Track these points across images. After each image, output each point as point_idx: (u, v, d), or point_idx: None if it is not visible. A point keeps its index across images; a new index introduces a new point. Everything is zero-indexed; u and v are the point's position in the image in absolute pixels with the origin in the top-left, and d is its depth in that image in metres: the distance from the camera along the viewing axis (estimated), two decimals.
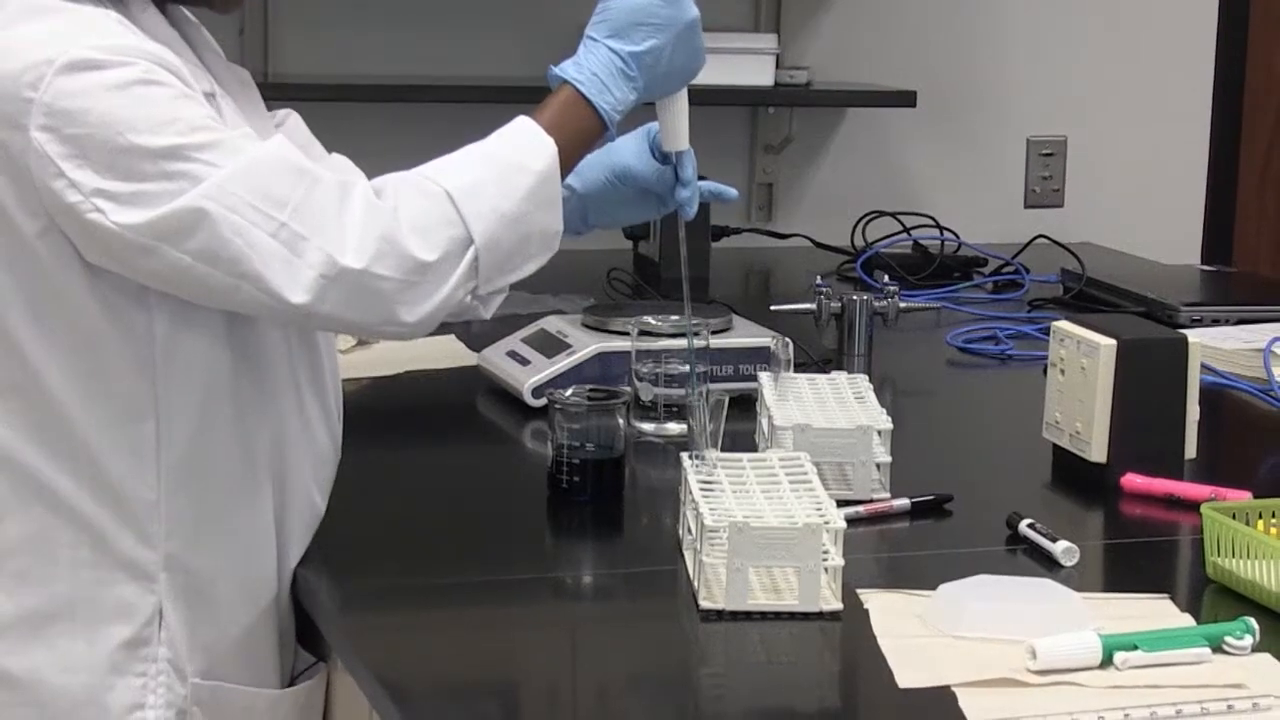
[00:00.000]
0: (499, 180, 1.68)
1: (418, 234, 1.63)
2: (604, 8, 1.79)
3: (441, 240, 1.64)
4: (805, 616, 1.64)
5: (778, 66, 3.54)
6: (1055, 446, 2.14)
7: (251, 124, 1.77)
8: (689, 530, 1.75)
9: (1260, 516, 1.77)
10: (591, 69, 1.77)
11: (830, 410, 2.03)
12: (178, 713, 1.71)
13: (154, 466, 1.68)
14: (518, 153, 1.71)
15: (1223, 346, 2.59)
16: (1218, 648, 1.55)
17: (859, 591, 1.69)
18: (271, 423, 1.74)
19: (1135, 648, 1.52)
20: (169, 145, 1.58)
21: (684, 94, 1.87)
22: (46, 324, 1.64)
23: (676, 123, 1.89)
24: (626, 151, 1.94)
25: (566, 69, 1.78)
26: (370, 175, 1.71)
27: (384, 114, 3.32)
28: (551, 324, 2.45)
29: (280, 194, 1.60)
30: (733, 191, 2.03)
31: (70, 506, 1.67)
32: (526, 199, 1.68)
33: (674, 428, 2.18)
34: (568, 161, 1.75)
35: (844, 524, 1.67)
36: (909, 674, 1.52)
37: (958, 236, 3.39)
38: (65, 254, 1.63)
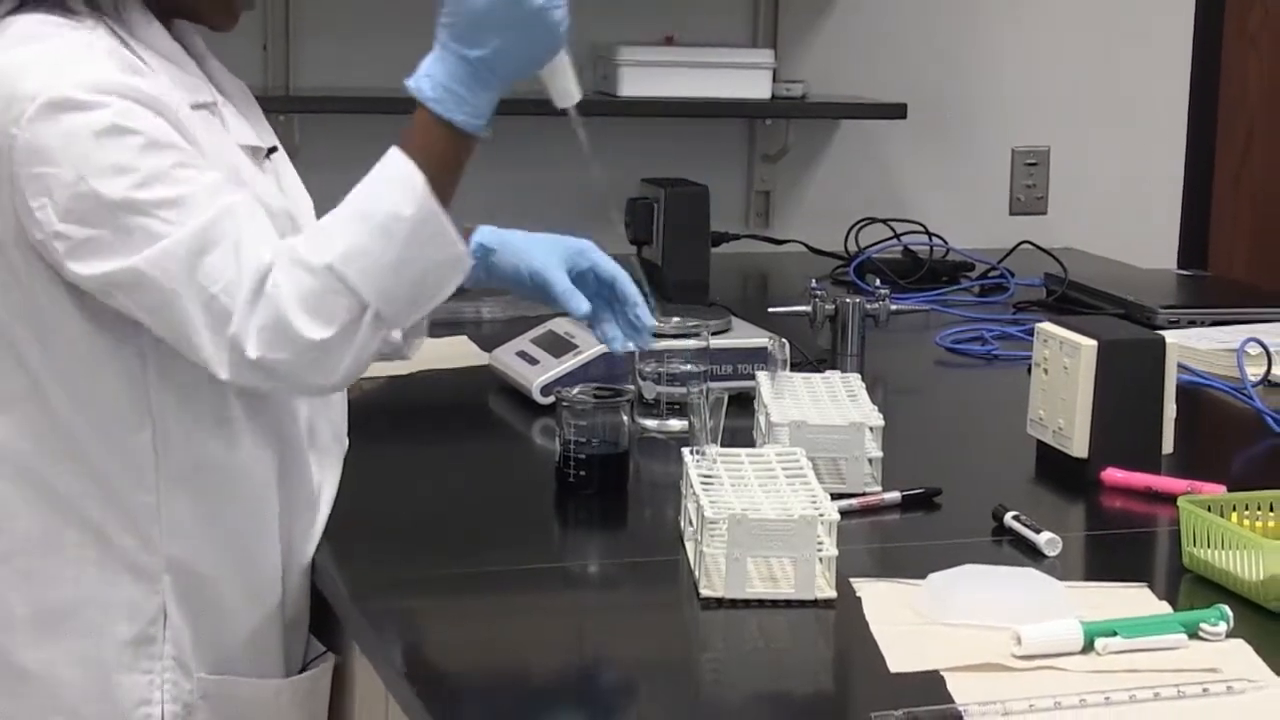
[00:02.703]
0: (375, 235, 1.58)
1: (308, 313, 1.56)
2: (447, 9, 1.62)
3: (334, 312, 1.56)
4: (801, 604, 1.64)
5: (774, 80, 3.53)
6: (1039, 442, 2.13)
7: (255, 130, 1.77)
8: (690, 522, 1.75)
9: (1234, 509, 1.77)
10: (443, 81, 1.61)
11: (825, 408, 2.03)
12: (184, 706, 1.70)
13: (152, 474, 1.67)
14: (388, 201, 1.59)
15: (1198, 347, 2.59)
16: (1194, 634, 1.55)
17: (852, 580, 1.68)
18: (269, 425, 1.73)
19: (1115, 634, 1.52)
20: (125, 198, 1.56)
21: (562, 53, 1.68)
22: (45, 339, 1.64)
23: (559, 83, 1.71)
24: (536, 257, 1.90)
25: (421, 84, 1.62)
26: None
27: (404, 125, 3.31)
28: (559, 325, 2.44)
29: (214, 269, 1.56)
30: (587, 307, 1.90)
31: (75, 509, 1.66)
32: (408, 244, 1.58)
33: (676, 424, 2.18)
34: (446, 182, 1.61)
35: (838, 516, 1.67)
36: (900, 659, 1.52)
37: (946, 242, 3.39)
38: (53, 275, 1.62)
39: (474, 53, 1.60)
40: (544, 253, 1.91)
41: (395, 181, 1.60)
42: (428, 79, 1.62)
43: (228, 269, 1.56)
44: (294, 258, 1.57)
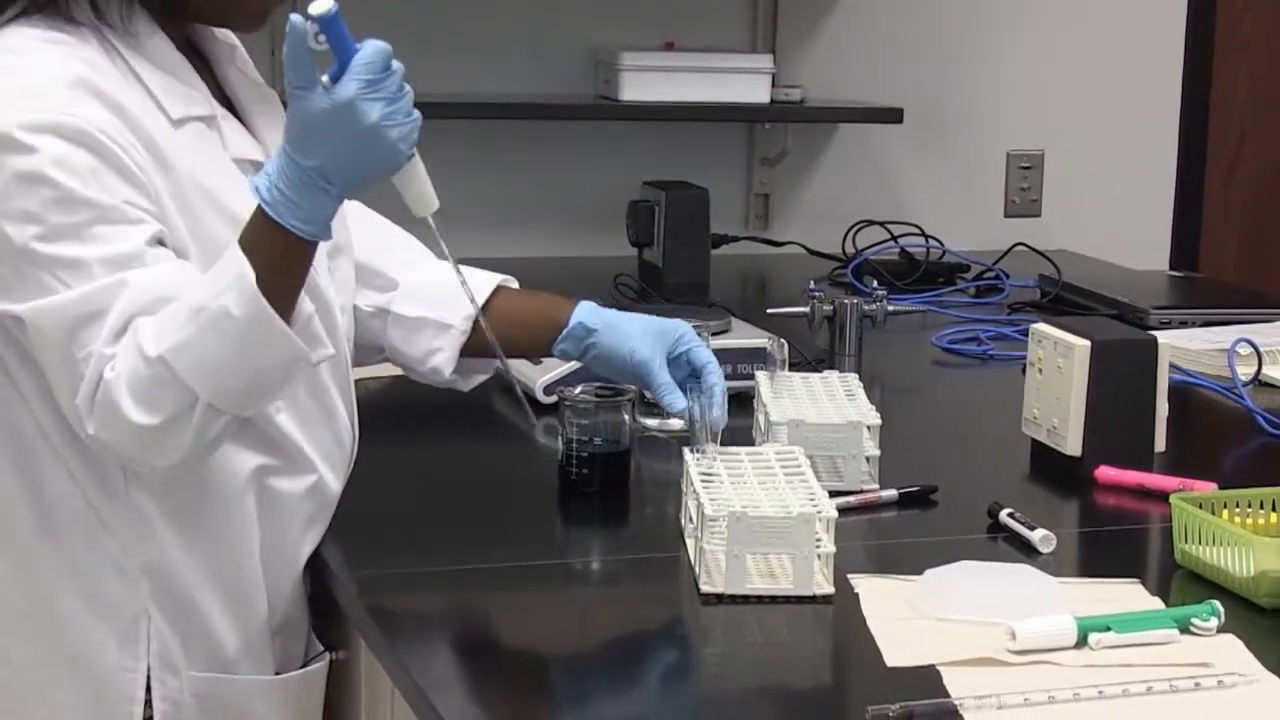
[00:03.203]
0: (206, 332, 1.54)
1: (138, 401, 1.54)
2: (288, 112, 1.57)
3: (163, 402, 1.54)
4: (799, 600, 1.64)
5: (774, 85, 3.53)
6: (1033, 440, 2.14)
7: (261, 144, 1.75)
8: (690, 519, 1.75)
9: (1225, 506, 1.77)
10: (279, 184, 1.56)
11: (823, 407, 2.03)
12: (174, 705, 1.70)
13: (121, 481, 1.67)
14: (221, 298, 1.54)
15: (1190, 347, 2.59)
16: (1185, 629, 1.55)
17: (850, 576, 1.69)
18: (252, 435, 1.70)
19: (1108, 629, 1.52)
20: (26, 247, 1.55)
21: (413, 163, 1.61)
22: (18, 344, 1.63)
23: (414, 192, 1.64)
24: (642, 348, 1.90)
25: (259, 184, 1.57)
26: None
27: None
28: None
29: (86, 338, 1.55)
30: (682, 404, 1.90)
31: (63, 508, 1.67)
32: (239, 343, 1.54)
33: (676, 423, 2.18)
34: (283, 282, 1.57)
35: (835, 513, 1.67)
36: (896, 653, 1.52)
37: (942, 244, 3.39)
38: None
39: (307, 162, 1.55)
40: (650, 340, 1.90)
41: (227, 279, 1.55)
42: (265, 178, 1.57)
43: (96, 340, 1.55)
44: (135, 342, 1.55)
